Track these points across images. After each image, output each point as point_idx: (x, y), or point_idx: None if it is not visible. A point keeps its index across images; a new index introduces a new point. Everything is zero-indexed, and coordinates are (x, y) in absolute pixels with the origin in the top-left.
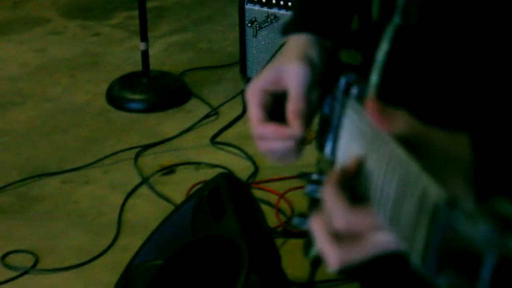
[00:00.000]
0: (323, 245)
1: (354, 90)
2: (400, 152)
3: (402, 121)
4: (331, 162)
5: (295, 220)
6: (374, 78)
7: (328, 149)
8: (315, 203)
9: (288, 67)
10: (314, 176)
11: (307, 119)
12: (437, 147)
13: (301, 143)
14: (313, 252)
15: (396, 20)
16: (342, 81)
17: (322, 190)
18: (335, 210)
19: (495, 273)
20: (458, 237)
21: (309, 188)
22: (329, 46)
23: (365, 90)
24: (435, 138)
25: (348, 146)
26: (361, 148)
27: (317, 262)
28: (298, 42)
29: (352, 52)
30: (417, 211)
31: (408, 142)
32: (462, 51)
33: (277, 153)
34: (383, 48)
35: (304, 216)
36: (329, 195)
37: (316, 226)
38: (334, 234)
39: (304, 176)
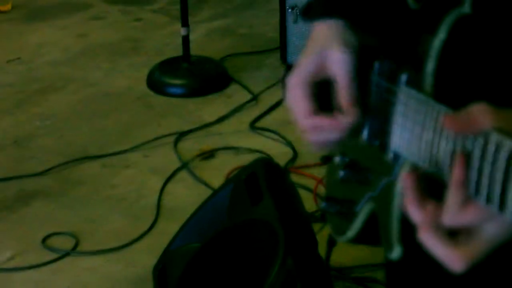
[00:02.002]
0: (444, 250)
1: (403, 77)
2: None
3: (488, 116)
4: (368, 146)
5: (323, 205)
6: (430, 65)
7: (365, 133)
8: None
9: (332, 55)
10: (337, 159)
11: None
12: None
13: (356, 130)
14: (348, 236)
15: (466, 9)
16: (377, 66)
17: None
18: (451, 259)
19: None
20: None
21: (341, 172)
22: (354, 30)
23: (414, 76)
24: None
25: (413, 133)
26: (437, 135)
27: (332, 242)
28: (331, 28)
29: (366, 36)
30: None
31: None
32: None
33: (330, 143)
34: (441, 35)
35: (332, 199)
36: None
37: (429, 235)
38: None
39: (327, 159)
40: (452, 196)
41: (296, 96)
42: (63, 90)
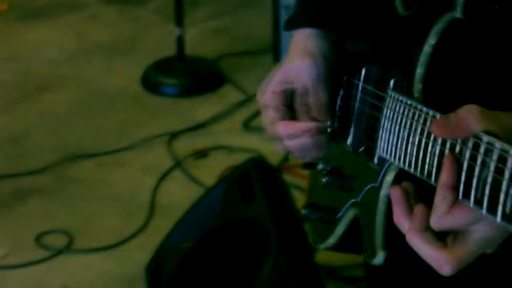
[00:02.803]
0: (432, 253)
1: (391, 82)
2: (503, 145)
3: (476, 119)
4: (351, 152)
5: (304, 211)
6: (420, 70)
7: (350, 139)
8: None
9: (292, 66)
10: (320, 166)
11: (326, 108)
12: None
13: (329, 135)
14: (330, 243)
15: (457, 14)
16: (363, 72)
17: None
18: (438, 260)
19: None
20: None
21: (324, 180)
22: (332, 39)
23: (403, 82)
24: (508, 123)
25: (400, 138)
26: (424, 138)
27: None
28: (302, 38)
29: (359, 44)
30: None
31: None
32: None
33: (306, 150)
34: (431, 41)
35: (313, 206)
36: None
37: (417, 238)
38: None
39: (309, 166)
40: (440, 199)
41: (266, 107)
42: (59, 89)
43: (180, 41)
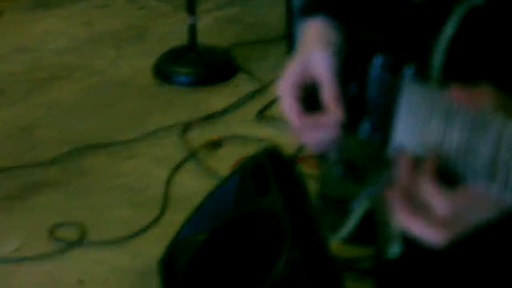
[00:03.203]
0: (429, 230)
1: (409, 70)
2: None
3: (490, 97)
4: (366, 143)
5: (318, 203)
6: (437, 58)
7: (365, 129)
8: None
9: (313, 56)
10: (332, 157)
11: (343, 102)
12: None
13: (342, 127)
14: (343, 234)
15: (479, 0)
16: (380, 61)
17: (410, 179)
18: (436, 201)
19: None
20: None
21: (339, 171)
22: (345, 27)
23: (420, 70)
24: None
25: (417, 126)
26: (443, 125)
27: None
28: (316, 28)
29: (368, 33)
30: None
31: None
32: None
33: (320, 142)
34: (449, 29)
35: (326, 197)
36: (427, 188)
37: (415, 215)
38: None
39: (321, 156)
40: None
41: (286, 100)
42: (69, 79)
43: (192, 30)
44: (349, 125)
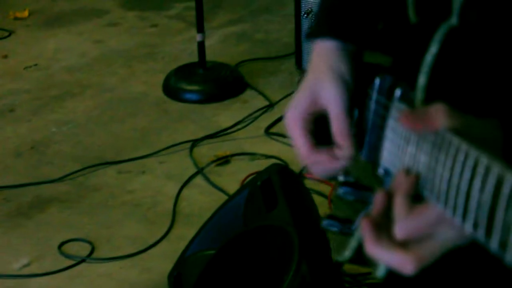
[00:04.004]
0: (393, 257)
1: (397, 92)
2: (466, 145)
3: (443, 115)
4: (368, 164)
5: (324, 222)
6: (422, 79)
7: (364, 151)
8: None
9: (324, 90)
10: (341, 178)
11: (352, 136)
12: (477, 133)
13: (353, 158)
14: (346, 256)
15: (453, 21)
16: (377, 83)
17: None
18: (398, 224)
19: None
20: None
21: (341, 190)
22: (352, 50)
23: (408, 92)
24: (474, 125)
25: (398, 148)
26: (415, 148)
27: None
28: (326, 55)
29: (377, 55)
30: (494, 195)
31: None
32: None
33: (331, 173)
34: (433, 50)
35: (333, 218)
36: (396, 209)
37: (379, 243)
38: (400, 242)
39: (331, 177)
40: (399, 204)
41: (294, 133)
42: (80, 96)
43: (201, 47)
44: (352, 158)
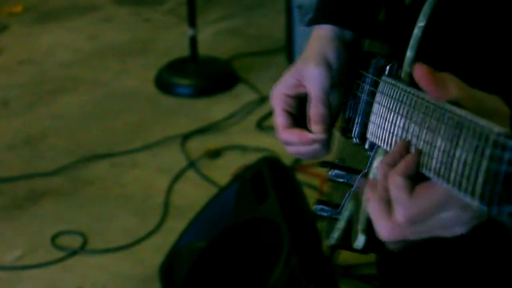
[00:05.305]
0: (379, 220)
1: (386, 69)
2: (461, 111)
3: (455, 86)
4: (358, 147)
5: (316, 207)
6: (409, 53)
7: (356, 132)
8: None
9: (306, 71)
10: (336, 164)
11: (329, 121)
12: (486, 105)
13: (327, 143)
14: (334, 237)
15: None
16: (372, 65)
17: (381, 176)
18: (399, 201)
19: None
20: None
21: (333, 172)
22: (349, 39)
23: (397, 67)
24: (482, 97)
25: (385, 120)
26: (402, 117)
27: (336, 246)
28: (319, 40)
29: (378, 43)
30: (479, 155)
31: (458, 104)
32: (500, 20)
33: (305, 155)
34: (420, 23)
35: (324, 203)
36: (394, 187)
37: (373, 201)
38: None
39: (325, 164)
40: (399, 186)
41: (275, 110)
42: (74, 91)
43: (193, 41)
44: (347, 130)
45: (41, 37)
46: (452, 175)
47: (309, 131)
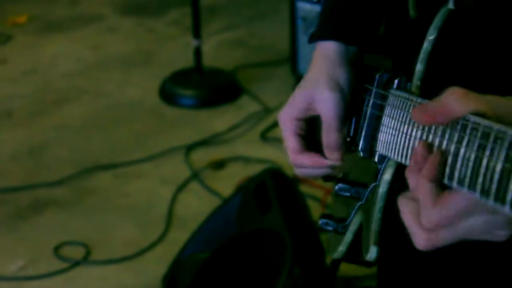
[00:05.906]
0: (413, 227)
1: (395, 82)
2: (484, 121)
3: (460, 101)
4: (364, 161)
5: (321, 221)
6: (419, 66)
7: (363, 145)
8: (340, 201)
9: (319, 95)
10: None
11: (344, 147)
12: (506, 111)
13: (342, 166)
14: (341, 251)
15: (450, 5)
16: (376, 79)
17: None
18: (423, 207)
19: None
20: None
21: (338, 186)
22: (353, 54)
23: (406, 80)
24: (499, 104)
25: (395, 131)
26: (419, 129)
27: (337, 261)
28: (327, 59)
29: (379, 58)
30: None
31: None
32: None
33: (315, 177)
34: (430, 36)
35: (328, 217)
36: (422, 191)
37: (405, 209)
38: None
39: (328, 178)
40: (423, 191)
41: (285, 133)
42: (77, 101)
43: (197, 52)
44: (352, 144)
45: (45, 47)
46: (479, 183)
47: (321, 153)
